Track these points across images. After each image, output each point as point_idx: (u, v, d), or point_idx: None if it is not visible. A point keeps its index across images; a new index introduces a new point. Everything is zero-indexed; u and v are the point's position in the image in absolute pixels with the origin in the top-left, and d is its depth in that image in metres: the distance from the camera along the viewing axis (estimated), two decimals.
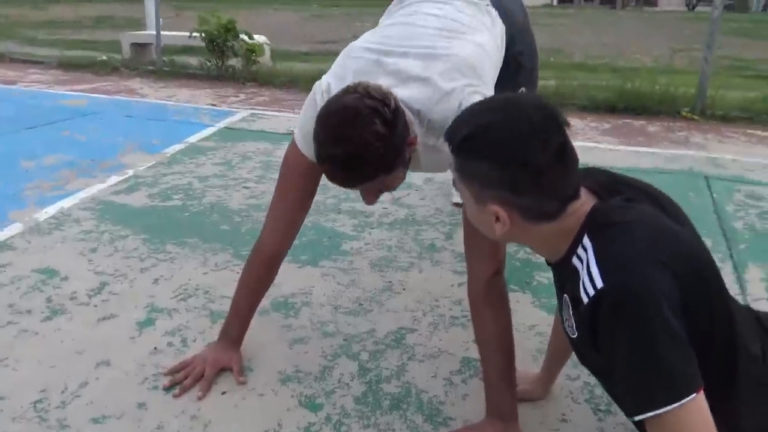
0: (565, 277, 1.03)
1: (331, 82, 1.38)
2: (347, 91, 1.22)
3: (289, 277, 1.99)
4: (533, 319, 1.83)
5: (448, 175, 1.47)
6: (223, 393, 1.50)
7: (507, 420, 1.34)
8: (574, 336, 1.05)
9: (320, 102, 1.34)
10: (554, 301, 1.22)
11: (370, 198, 1.33)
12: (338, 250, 2.27)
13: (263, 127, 4.18)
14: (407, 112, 1.26)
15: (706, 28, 4.81)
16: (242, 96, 5.44)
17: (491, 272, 1.34)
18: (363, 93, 1.20)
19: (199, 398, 1.48)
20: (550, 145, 0.93)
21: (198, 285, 2.02)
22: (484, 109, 1.01)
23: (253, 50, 6.00)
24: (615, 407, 1.46)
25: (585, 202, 1.01)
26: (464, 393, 1.52)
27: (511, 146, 0.93)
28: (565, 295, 1.05)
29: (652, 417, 0.88)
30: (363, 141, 1.16)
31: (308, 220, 2.46)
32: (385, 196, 1.49)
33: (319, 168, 1.36)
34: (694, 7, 30.52)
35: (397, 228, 2.49)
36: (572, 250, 1.00)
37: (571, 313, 1.02)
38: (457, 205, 2.74)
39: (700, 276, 0.94)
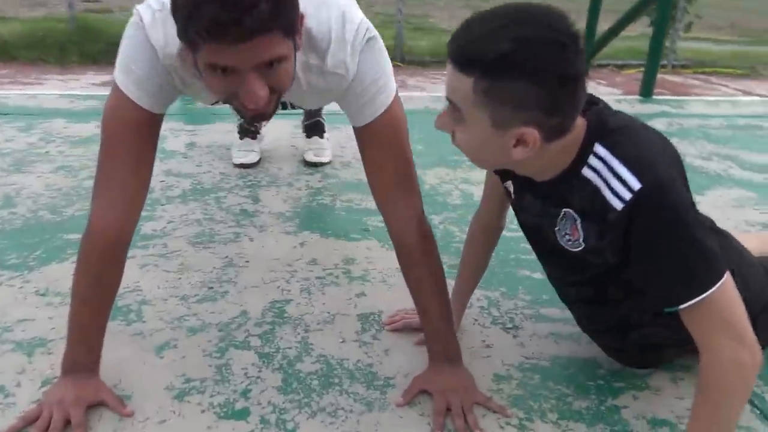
0: (567, 190, 1.00)
1: None
2: None
3: None
4: None
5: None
6: None
7: (453, 361, 1.28)
8: (580, 248, 1.03)
9: (151, 19, 1.07)
10: None
11: (255, 84, 0.96)
12: (139, 234, 1.87)
13: None
14: None
15: None
16: None
17: (421, 210, 1.25)
18: None
19: None
20: (580, 54, 0.86)
21: None
22: (507, 22, 0.87)
23: None
24: (521, 321, 1.51)
25: None
26: (384, 348, 1.40)
27: (552, 61, 0.85)
28: (565, 210, 1.01)
29: (700, 300, 0.91)
30: None
31: (75, 210, 2.01)
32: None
33: (158, 119, 1.14)
34: None
35: (191, 199, 2.15)
36: (580, 161, 0.97)
37: (578, 225, 1.00)
38: (312, 164, 2.53)
39: (685, 177, 1.00)
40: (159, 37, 1.07)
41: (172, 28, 1.03)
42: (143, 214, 1.95)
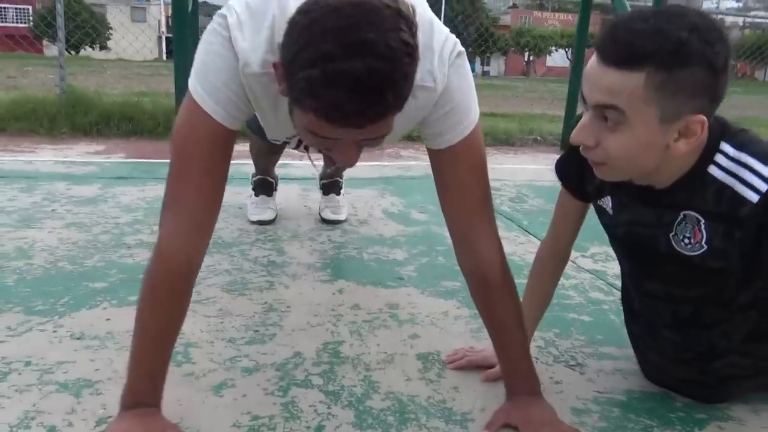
0: (689, 193, 1.02)
1: (246, 2, 1.02)
2: None
3: (118, 323, 1.49)
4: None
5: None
6: None
7: (534, 395, 1.22)
8: (701, 251, 1.02)
9: (236, 21, 1.00)
10: None
11: (352, 153, 0.94)
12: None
13: None
14: None
15: None
16: None
17: (501, 248, 1.22)
18: None
19: None
20: (729, 45, 0.90)
21: (5, 357, 1.35)
22: (669, 16, 0.89)
23: None
24: (584, 359, 1.47)
25: None
26: (453, 385, 1.34)
27: (720, 48, 0.87)
28: (684, 212, 1.02)
29: None
30: (392, 53, 0.81)
31: (96, 262, 1.92)
32: None
33: (233, 135, 1.07)
34: None
35: (214, 252, 2.08)
36: (706, 161, 0.99)
37: (702, 226, 1.00)
38: (329, 221, 2.50)
39: None
40: (243, 44, 1.01)
41: (255, 34, 1.00)
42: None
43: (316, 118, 0.86)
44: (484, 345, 1.46)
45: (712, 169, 0.99)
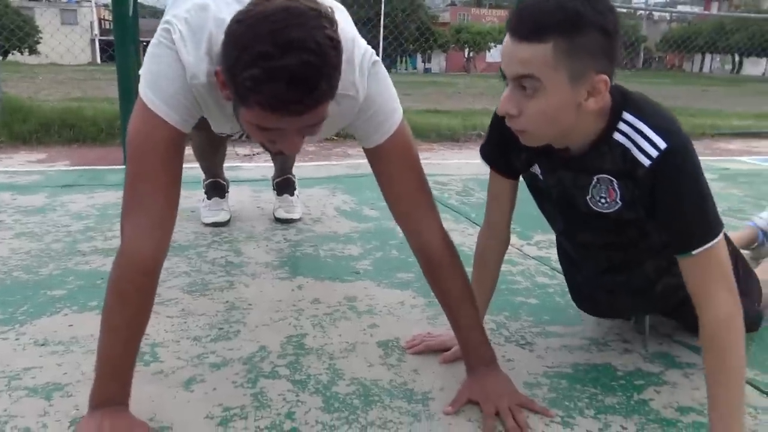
0: (599, 157, 1.16)
1: (183, 16, 1.12)
2: None
3: (81, 328, 1.50)
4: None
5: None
6: None
7: (491, 365, 1.32)
8: (617, 207, 1.18)
9: (180, 38, 1.10)
10: None
11: (295, 141, 1.07)
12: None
13: None
14: None
15: None
16: None
17: (442, 228, 1.32)
18: None
19: None
20: (616, 13, 1.05)
21: None
22: None
23: None
24: (532, 338, 1.58)
25: None
26: (412, 368, 1.41)
27: (611, 16, 1.02)
28: (598, 176, 1.17)
29: (709, 248, 1.07)
30: (319, 47, 0.93)
31: (52, 270, 1.91)
32: None
33: (185, 138, 1.16)
34: None
35: (171, 255, 2.10)
36: (611, 128, 1.13)
37: (615, 185, 1.16)
38: (283, 220, 2.55)
39: None
40: (188, 58, 1.11)
41: (197, 48, 1.10)
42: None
43: (261, 111, 0.97)
44: (441, 330, 1.55)
45: (617, 135, 1.13)
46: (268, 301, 1.76)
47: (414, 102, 7.91)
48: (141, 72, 1.16)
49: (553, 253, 2.24)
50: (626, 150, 1.12)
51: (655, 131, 1.09)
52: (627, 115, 1.12)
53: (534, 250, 2.31)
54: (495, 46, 38.28)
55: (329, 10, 0.99)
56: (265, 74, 0.92)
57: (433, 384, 1.35)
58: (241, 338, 1.53)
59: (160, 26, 1.16)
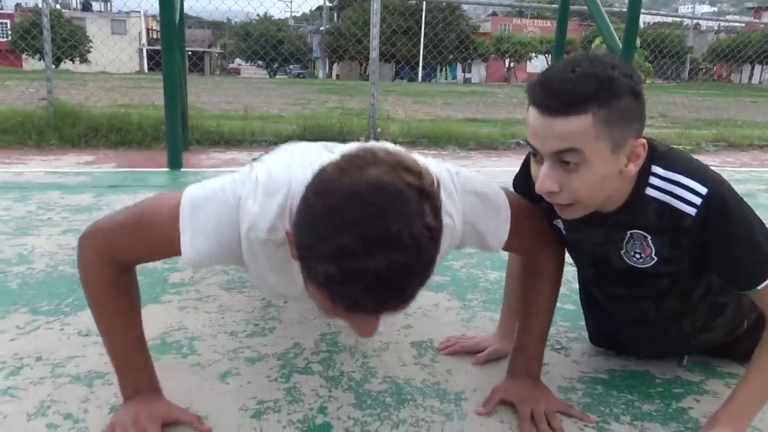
0: (631, 215, 1.12)
1: (271, 164, 1.03)
2: (361, 159, 0.78)
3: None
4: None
5: None
6: None
7: (533, 378, 1.30)
8: (652, 263, 1.14)
9: (251, 187, 0.99)
10: None
11: (370, 328, 0.88)
12: (168, 284, 1.85)
13: None
14: None
15: (301, 88, 5.50)
16: None
17: (562, 252, 1.30)
18: (393, 163, 0.78)
19: None
20: (639, 74, 1.03)
21: (17, 353, 1.41)
22: (589, 60, 0.98)
23: None
24: (568, 343, 1.56)
25: None
26: (446, 369, 1.41)
27: (637, 79, 0.99)
28: (631, 231, 1.13)
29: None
30: (415, 243, 0.75)
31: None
32: None
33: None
34: (275, 74, 34.58)
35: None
36: (642, 184, 1.09)
37: (649, 241, 1.12)
38: None
39: None
40: (253, 208, 0.98)
41: (269, 197, 0.98)
42: (167, 265, 1.97)
43: (332, 305, 0.81)
44: (475, 333, 1.54)
45: (649, 191, 1.08)
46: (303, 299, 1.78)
47: (454, 111, 7.90)
48: (195, 189, 1.06)
49: None
50: (663, 204, 1.07)
51: (691, 178, 1.05)
52: (657, 169, 1.08)
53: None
54: (536, 56, 38.00)
55: (434, 183, 0.80)
56: (342, 275, 0.75)
57: (466, 384, 1.35)
58: (276, 334, 1.55)
59: (246, 167, 1.07)
